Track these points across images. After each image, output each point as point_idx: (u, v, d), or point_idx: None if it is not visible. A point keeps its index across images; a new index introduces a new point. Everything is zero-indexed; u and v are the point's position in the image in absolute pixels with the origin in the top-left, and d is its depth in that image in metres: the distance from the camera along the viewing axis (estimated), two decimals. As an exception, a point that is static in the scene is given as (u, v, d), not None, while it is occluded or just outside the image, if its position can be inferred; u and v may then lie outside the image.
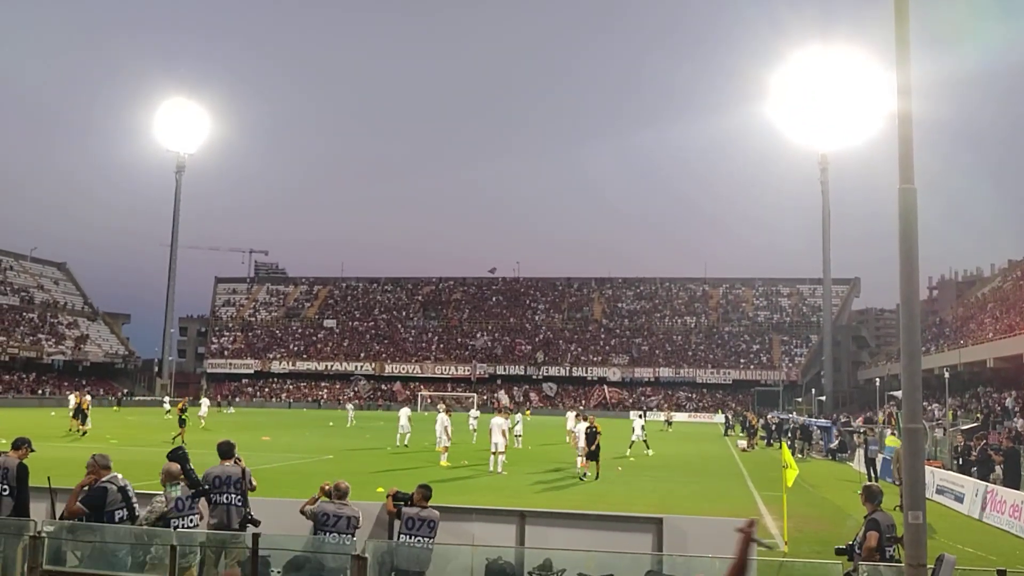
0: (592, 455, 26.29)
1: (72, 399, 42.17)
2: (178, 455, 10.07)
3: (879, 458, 29.93)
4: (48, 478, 11.67)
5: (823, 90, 78.51)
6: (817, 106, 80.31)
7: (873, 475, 28.70)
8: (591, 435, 26.46)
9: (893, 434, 30.42)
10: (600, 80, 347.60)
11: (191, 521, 9.77)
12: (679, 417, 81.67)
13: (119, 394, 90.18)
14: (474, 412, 43.40)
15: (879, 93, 69.13)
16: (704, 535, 10.68)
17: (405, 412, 38.23)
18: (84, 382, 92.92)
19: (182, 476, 9.88)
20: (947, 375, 50.50)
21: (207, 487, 10.28)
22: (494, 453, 27.15)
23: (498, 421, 27.87)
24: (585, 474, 25.98)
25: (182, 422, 36.09)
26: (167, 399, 69.60)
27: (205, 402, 55.09)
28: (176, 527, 9.54)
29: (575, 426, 31.26)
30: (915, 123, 7.55)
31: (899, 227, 7.14)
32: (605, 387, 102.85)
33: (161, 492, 9.84)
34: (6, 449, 11.29)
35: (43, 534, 8.36)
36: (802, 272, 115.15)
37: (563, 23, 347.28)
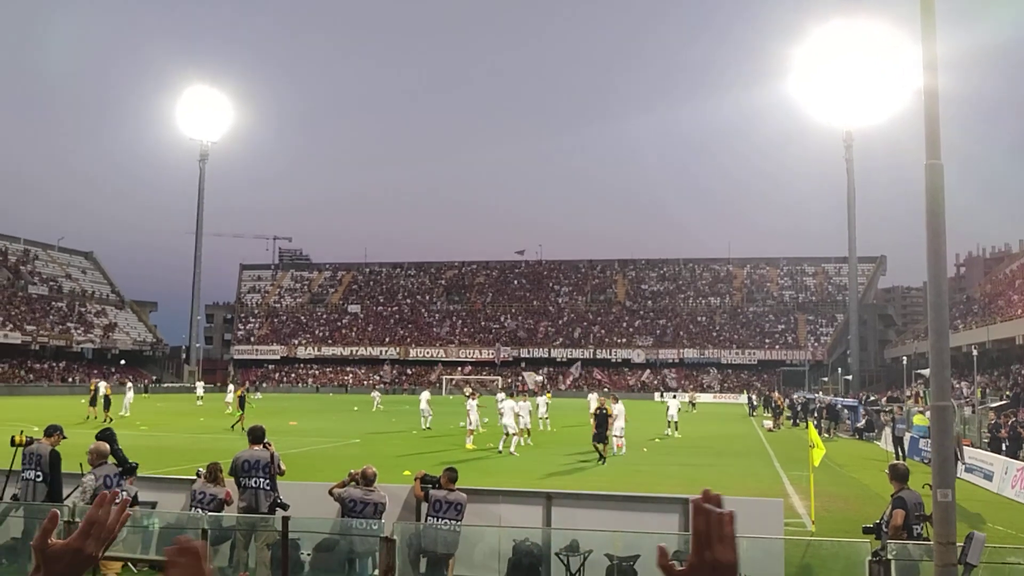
0: (600, 437, 25.68)
1: (102, 387, 42.51)
2: (106, 435, 10.43)
3: (907, 437, 29.74)
4: (80, 464, 11.85)
5: (847, 66, 77.41)
6: (841, 82, 79.26)
7: (901, 454, 28.51)
8: (601, 417, 25.91)
9: (921, 413, 30.23)
10: (620, 61, 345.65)
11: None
12: (704, 398, 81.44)
13: (146, 381, 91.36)
14: (500, 396, 43.45)
15: (905, 68, 68.13)
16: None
17: (425, 396, 38.36)
18: (113, 370, 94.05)
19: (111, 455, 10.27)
20: (975, 352, 50.07)
21: (136, 464, 10.54)
22: (506, 434, 27.48)
23: (510, 404, 28.27)
24: (602, 457, 25.40)
25: (242, 406, 36.20)
26: (200, 385, 70.35)
27: (231, 388, 55.52)
28: None
29: (614, 407, 31.02)
30: (942, 98, 7.45)
31: (926, 203, 7.06)
32: (577, 367, 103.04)
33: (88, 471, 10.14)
34: (39, 436, 11.48)
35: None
36: (827, 251, 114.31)
37: (581, 2, 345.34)
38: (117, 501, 1.76)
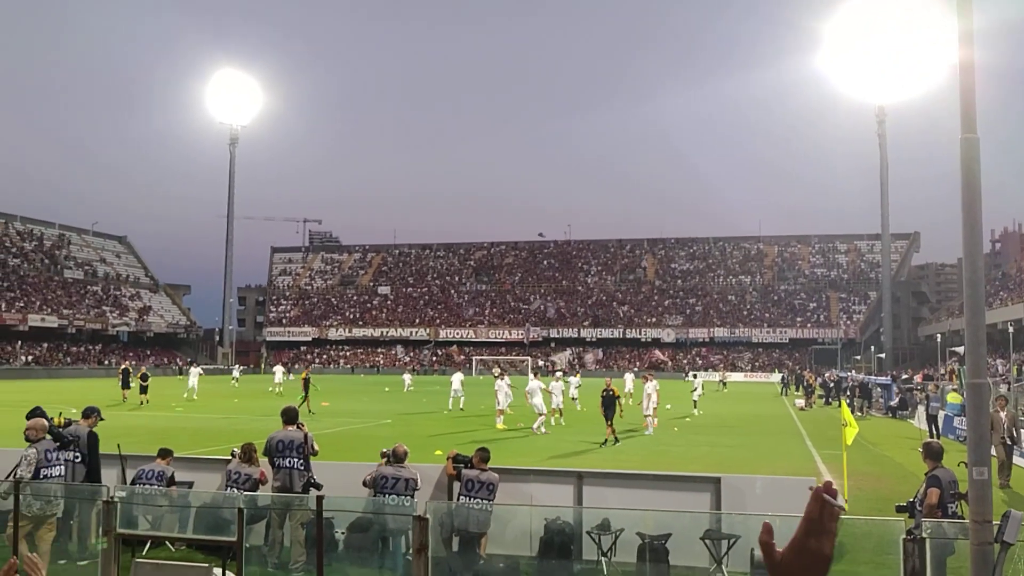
0: (608, 419, 24.96)
1: (132, 369, 42.86)
2: (38, 412, 10.82)
3: (940, 415, 29.43)
4: (118, 445, 12.05)
5: (879, 40, 76.12)
6: (873, 57, 78.02)
7: (935, 432, 28.22)
8: (608, 399, 25.11)
9: (955, 390, 29.91)
10: (645, 37, 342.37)
11: (58, 471, 10.43)
12: (734, 377, 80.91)
13: (182, 363, 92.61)
14: (530, 376, 43.34)
15: (939, 41, 66.90)
16: (763, 494, 10.66)
17: (458, 377, 38.41)
18: (149, 352, 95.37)
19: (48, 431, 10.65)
20: (1012, 329, 49.44)
21: (71, 438, 10.85)
22: (540, 414, 27.70)
23: (537, 384, 28.34)
24: (605, 441, 24.46)
25: (306, 389, 36.10)
26: (237, 368, 71.18)
27: (279, 370, 55.83)
28: (44, 476, 10.11)
29: (646, 386, 30.92)
30: (978, 71, 7.32)
31: (961, 177, 6.96)
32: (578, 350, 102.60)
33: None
34: (77, 418, 11.69)
35: (116, 499, 8.63)
36: (860, 228, 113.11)
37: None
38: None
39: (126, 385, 41.45)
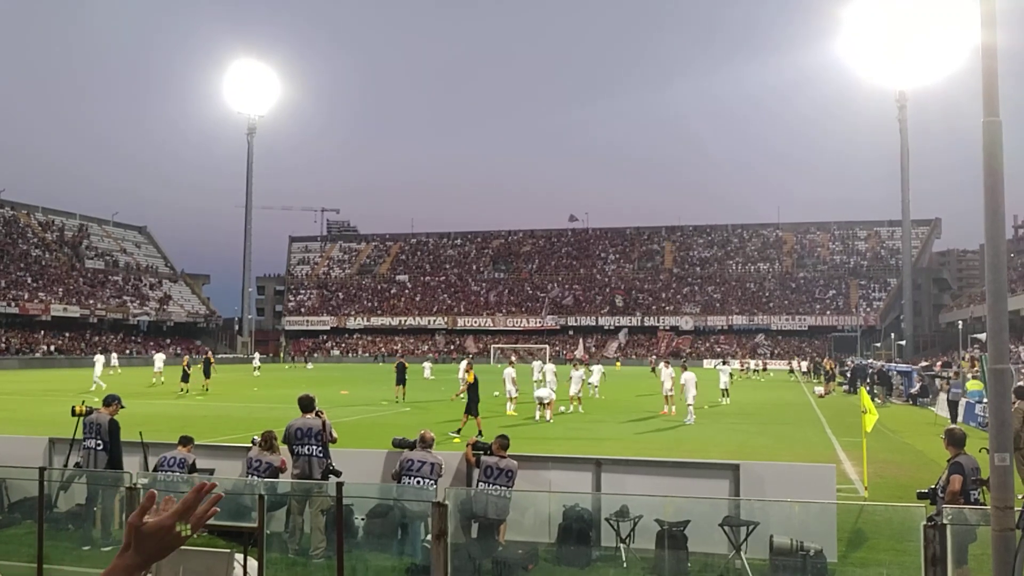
0: (469, 409, 23.04)
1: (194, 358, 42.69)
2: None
3: (962, 402, 29.23)
4: (140, 433, 12.17)
5: (899, 24, 75.35)
6: (893, 42, 77.28)
7: (956, 420, 28.02)
8: (476, 386, 23.37)
9: (976, 377, 29.68)
10: (666, 23, 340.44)
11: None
12: (753, 365, 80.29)
13: (207, 353, 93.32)
14: (538, 364, 42.47)
15: (961, 24, 66.06)
16: (781, 481, 10.63)
17: (463, 365, 38.12)
18: (168, 341, 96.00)
19: None
20: (1034, 316, 48.94)
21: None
22: (541, 404, 27.43)
23: (541, 364, 28.04)
24: (459, 431, 22.55)
25: (402, 380, 35.80)
26: (257, 356, 71.76)
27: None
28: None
29: (662, 374, 30.66)
30: (1001, 54, 7.22)
31: (983, 162, 6.88)
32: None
33: None
34: (98, 407, 11.80)
35: (138, 485, 8.71)
36: (880, 214, 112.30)
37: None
38: (212, 493, 1.84)
39: (207, 374, 41.31)
